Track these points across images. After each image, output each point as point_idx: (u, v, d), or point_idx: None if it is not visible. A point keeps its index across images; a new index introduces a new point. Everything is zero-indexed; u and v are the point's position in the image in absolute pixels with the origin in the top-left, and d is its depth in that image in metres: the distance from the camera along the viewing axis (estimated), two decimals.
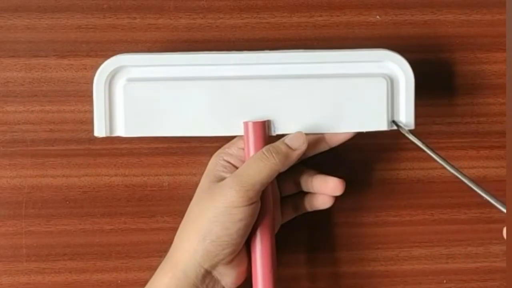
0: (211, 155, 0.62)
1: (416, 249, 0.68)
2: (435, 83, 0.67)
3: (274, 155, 0.57)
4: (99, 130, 0.59)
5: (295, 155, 0.59)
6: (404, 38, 0.66)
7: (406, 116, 0.61)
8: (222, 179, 0.59)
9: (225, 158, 0.60)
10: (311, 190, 0.63)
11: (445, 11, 0.66)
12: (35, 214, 0.65)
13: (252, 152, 0.59)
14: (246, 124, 0.60)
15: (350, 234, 0.67)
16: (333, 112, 0.60)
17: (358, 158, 0.67)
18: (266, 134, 0.60)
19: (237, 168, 0.59)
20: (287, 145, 0.59)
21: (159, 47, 0.64)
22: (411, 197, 0.67)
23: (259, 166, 0.57)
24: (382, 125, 0.60)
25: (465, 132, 0.67)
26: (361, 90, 0.60)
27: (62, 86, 0.65)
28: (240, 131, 0.60)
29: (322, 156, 0.63)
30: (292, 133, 0.59)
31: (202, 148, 0.65)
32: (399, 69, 0.60)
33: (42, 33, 0.64)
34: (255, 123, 0.60)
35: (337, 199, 0.63)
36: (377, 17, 0.66)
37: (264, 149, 0.58)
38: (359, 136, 0.61)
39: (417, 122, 0.62)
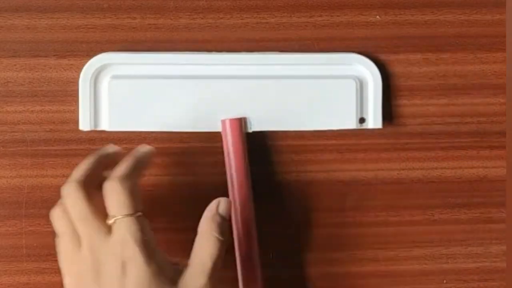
0: (210, 156, 0.63)
1: (416, 249, 0.68)
2: (435, 83, 0.67)
3: (219, 233, 0.55)
4: (84, 124, 0.62)
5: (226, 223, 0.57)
6: (404, 38, 0.66)
7: (374, 115, 0.64)
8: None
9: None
10: None
11: (445, 11, 0.66)
12: (35, 214, 0.65)
13: (230, 148, 0.62)
14: (224, 121, 0.63)
15: (349, 234, 0.67)
16: (306, 111, 0.63)
17: (358, 157, 0.67)
18: (243, 131, 0.63)
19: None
20: (223, 216, 0.57)
21: (159, 47, 0.64)
22: (411, 197, 0.67)
23: (210, 251, 0.55)
24: (351, 124, 0.63)
25: (465, 132, 0.67)
26: (332, 91, 0.63)
27: (62, 86, 0.65)
28: (218, 127, 0.63)
29: (322, 156, 0.65)
30: (222, 201, 0.57)
31: (202, 148, 0.65)
32: (367, 72, 0.64)
33: (42, 33, 0.64)
34: (232, 120, 0.62)
35: (336, 198, 0.64)
36: (377, 17, 0.66)
37: (206, 232, 0.55)
38: (359, 135, 0.63)
39: (416, 122, 0.65)
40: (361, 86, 0.64)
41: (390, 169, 0.67)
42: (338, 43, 0.65)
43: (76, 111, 0.64)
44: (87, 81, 0.62)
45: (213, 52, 0.63)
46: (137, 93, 0.62)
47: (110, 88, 0.62)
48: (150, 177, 0.65)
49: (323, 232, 0.67)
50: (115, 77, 0.62)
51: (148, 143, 0.60)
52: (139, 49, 0.64)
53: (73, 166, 0.61)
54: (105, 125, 0.62)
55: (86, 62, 0.63)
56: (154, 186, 0.65)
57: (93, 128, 0.62)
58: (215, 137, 0.63)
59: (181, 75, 0.63)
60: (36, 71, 0.64)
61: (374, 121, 0.64)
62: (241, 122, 0.63)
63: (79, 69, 0.64)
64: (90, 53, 0.64)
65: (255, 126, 0.63)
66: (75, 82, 0.64)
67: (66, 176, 0.61)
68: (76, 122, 0.64)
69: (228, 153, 0.63)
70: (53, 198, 0.64)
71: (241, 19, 0.65)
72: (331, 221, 0.67)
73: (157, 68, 0.63)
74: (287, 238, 0.66)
